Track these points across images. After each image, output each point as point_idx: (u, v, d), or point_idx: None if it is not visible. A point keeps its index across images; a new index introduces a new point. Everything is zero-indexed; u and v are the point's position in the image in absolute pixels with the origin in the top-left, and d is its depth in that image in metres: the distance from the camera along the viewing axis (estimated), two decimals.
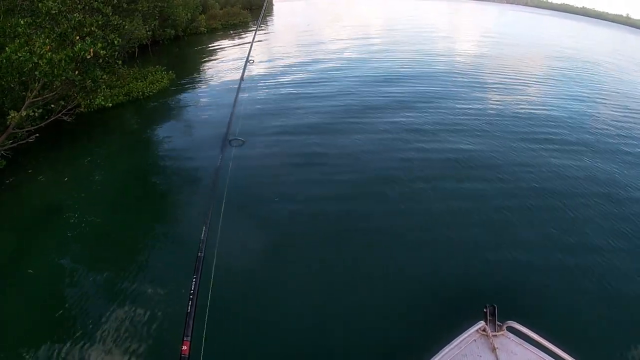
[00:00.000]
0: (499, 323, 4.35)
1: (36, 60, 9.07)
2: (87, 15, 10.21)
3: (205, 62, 25.13)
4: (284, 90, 17.67)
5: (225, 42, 32.41)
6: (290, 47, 29.50)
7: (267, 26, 44.33)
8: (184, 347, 2.23)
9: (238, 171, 5.10)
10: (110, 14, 10.86)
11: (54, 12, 9.80)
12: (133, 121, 14.47)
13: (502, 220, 8.97)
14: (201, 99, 16.96)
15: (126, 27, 11.80)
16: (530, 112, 16.39)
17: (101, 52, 9.72)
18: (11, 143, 10.34)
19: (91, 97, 12.17)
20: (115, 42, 10.67)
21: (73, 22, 9.87)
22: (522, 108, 16.98)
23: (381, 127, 13.59)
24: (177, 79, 19.77)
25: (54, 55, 9.26)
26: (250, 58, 8.54)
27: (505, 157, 11.97)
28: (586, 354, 4.42)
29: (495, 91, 19.64)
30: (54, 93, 10.66)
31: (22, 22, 9.78)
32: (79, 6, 10.28)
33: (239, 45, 30.95)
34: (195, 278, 2.62)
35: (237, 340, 5.46)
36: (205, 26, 36.77)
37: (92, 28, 9.99)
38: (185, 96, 17.43)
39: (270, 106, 15.41)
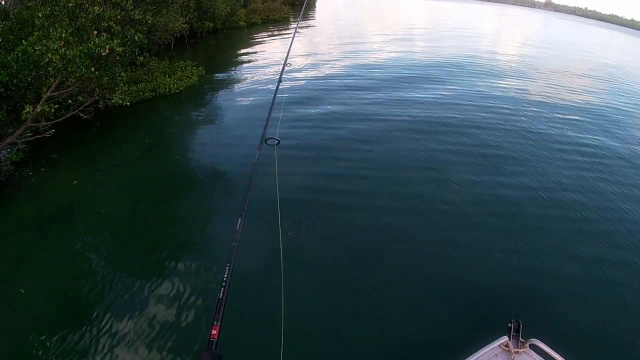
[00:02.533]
0: (522, 340, 4.35)
1: (50, 56, 8.69)
2: (106, 9, 9.65)
3: (240, 57, 24.47)
4: (322, 91, 16.95)
5: (263, 38, 31.60)
6: (330, 45, 28.61)
7: (308, 22, 43.61)
8: (214, 332, 2.23)
9: (271, 168, 4.90)
10: (131, 7, 10.24)
11: (71, 4, 9.24)
12: (157, 119, 13.86)
13: (538, 230, 8.56)
14: (231, 98, 16.31)
15: (149, 21, 11.12)
16: (570, 121, 15.90)
17: (118, 48, 9.18)
18: (28, 137, 10.10)
19: (108, 94, 11.64)
20: (136, 38, 10.15)
21: (91, 15, 9.36)
22: (561, 116, 16.45)
23: (421, 137, 12.93)
24: (208, 75, 19.13)
25: (67, 51, 8.83)
26: (288, 59, 8.24)
27: (541, 165, 11.52)
28: None
29: (533, 98, 19.01)
30: (70, 89, 10.24)
31: (40, 14, 9.40)
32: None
33: (277, 41, 30.14)
34: (228, 266, 2.70)
35: (265, 327, 5.49)
36: (245, 20, 36.32)
37: (110, 23, 9.46)
38: (213, 94, 16.76)
39: (308, 107, 14.76)
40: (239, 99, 16.15)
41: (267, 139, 4.60)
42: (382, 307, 6.47)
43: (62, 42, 8.90)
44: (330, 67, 21.50)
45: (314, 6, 63.16)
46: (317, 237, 7.99)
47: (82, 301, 6.36)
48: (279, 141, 4.74)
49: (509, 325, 4.45)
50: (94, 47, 8.92)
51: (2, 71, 9.06)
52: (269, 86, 17.40)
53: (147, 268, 7.07)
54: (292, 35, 10.19)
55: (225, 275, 2.62)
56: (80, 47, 8.93)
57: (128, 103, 11.27)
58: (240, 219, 3.12)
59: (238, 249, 2.90)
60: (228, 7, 31.80)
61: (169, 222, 8.41)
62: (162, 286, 6.59)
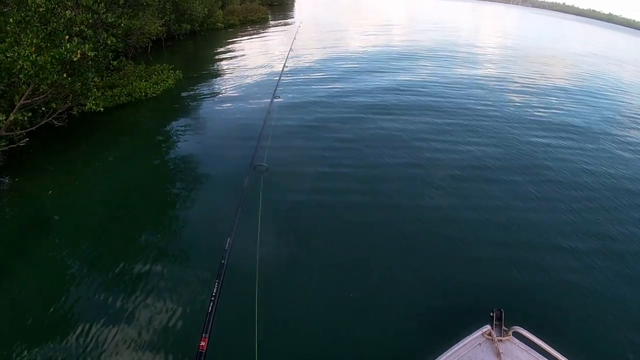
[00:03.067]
0: (505, 328, 4.40)
1: (21, 63, 8.50)
2: (78, 13, 9.48)
3: (218, 59, 24.22)
4: (308, 98, 16.68)
5: (241, 39, 31.50)
6: (312, 49, 28.37)
7: (287, 23, 43.47)
8: (202, 344, 2.32)
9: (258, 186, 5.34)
10: (103, 11, 10.07)
11: (42, 9, 9.06)
12: (133, 125, 13.52)
13: (515, 222, 8.80)
14: (208, 101, 16.07)
15: (123, 24, 10.97)
16: (552, 116, 16.40)
17: (90, 53, 9.02)
18: (2, 146, 9.77)
19: (82, 100, 11.43)
20: (109, 42, 9.99)
21: (63, 20, 9.19)
22: (544, 111, 16.93)
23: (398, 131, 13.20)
24: (185, 78, 18.83)
25: (39, 57, 8.65)
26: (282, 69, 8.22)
27: (523, 159, 11.89)
28: None
29: (517, 94, 19.48)
30: (44, 96, 10.02)
31: (11, 20, 9.21)
32: (68, 3, 9.52)
33: (255, 42, 30.12)
34: (217, 282, 2.87)
35: (250, 340, 5.19)
36: (223, 22, 36.10)
37: (82, 27, 9.29)
38: (189, 98, 16.48)
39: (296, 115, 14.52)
40: (216, 101, 15.99)
41: (256, 166, 4.82)
42: (365, 303, 6.49)
43: (33, 48, 8.71)
44: (314, 72, 21.44)
45: (293, 7, 63.07)
46: (299, 246, 7.88)
47: (63, 313, 6.17)
48: (267, 167, 5.02)
49: (491, 314, 4.51)
50: (65, 53, 8.76)
51: None
52: (249, 87, 17.47)
53: (130, 278, 6.89)
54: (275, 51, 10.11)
55: (215, 290, 2.79)
56: (52, 53, 8.76)
57: (102, 109, 10.99)
58: (229, 239, 3.34)
59: (227, 266, 3.07)
60: (205, 9, 31.57)
61: (151, 230, 8.25)
62: (147, 297, 6.46)
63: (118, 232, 8.17)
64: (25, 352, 5.50)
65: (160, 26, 23.45)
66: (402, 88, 18.43)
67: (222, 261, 3.11)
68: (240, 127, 13.01)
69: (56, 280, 6.83)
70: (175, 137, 12.65)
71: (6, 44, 8.89)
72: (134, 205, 9.14)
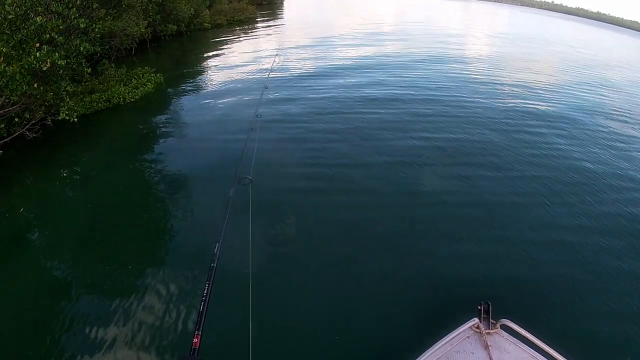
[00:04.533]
0: (492, 321, 4.46)
1: None
2: (49, 19, 9.06)
3: (203, 61, 23.83)
4: (296, 101, 16.21)
5: (228, 40, 30.99)
6: (301, 50, 27.61)
7: (277, 23, 43.10)
8: (195, 340, 2.42)
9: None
10: (75, 16, 9.65)
11: (11, 16, 8.63)
12: (111, 132, 13.00)
13: (501, 216, 8.93)
14: (188, 105, 15.62)
15: (97, 29, 10.57)
16: (544, 111, 16.52)
17: (60, 62, 8.63)
18: None
19: (53, 110, 11.03)
20: (82, 48, 9.59)
21: (33, 27, 8.77)
22: (535, 106, 17.06)
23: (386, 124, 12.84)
24: (167, 82, 18.34)
25: (7, 67, 8.26)
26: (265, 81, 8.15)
27: (507, 153, 12.03)
28: (579, 355, 4.47)
29: (509, 90, 19.67)
30: (16, 106, 9.61)
31: None
32: (39, 9, 9.11)
33: (243, 43, 29.68)
34: (208, 284, 2.93)
35: (241, 338, 5.06)
36: (210, 22, 35.66)
37: (53, 34, 8.88)
38: (170, 103, 16.02)
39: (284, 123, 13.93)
40: (198, 105, 15.60)
41: (240, 179, 4.97)
42: (355, 299, 6.53)
43: (2, 58, 8.32)
44: (302, 72, 21.08)
45: (282, 6, 62.76)
46: (289, 245, 7.88)
47: (50, 322, 6.03)
48: (251, 179, 5.13)
49: (479, 307, 4.59)
50: (34, 62, 8.38)
51: None
52: (234, 89, 17.14)
53: (120, 284, 6.82)
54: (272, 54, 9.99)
55: (205, 292, 2.85)
56: (21, 63, 8.38)
57: (75, 119, 10.58)
58: (217, 244, 3.39)
59: (216, 268, 3.12)
60: (192, 9, 31.14)
61: (132, 238, 8.09)
62: (135, 302, 6.38)
63: (98, 242, 7.96)
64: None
65: (145, 27, 22.99)
66: (388, 86, 18.42)
67: (212, 264, 3.16)
68: (224, 130, 12.77)
69: (35, 297, 6.61)
70: (154, 144, 12.29)
71: None
72: (114, 215, 8.84)
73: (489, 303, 4.57)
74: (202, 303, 2.75)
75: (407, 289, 6.77)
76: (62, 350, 5.55)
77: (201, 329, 2.57)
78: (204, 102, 16.00)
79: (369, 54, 26.57)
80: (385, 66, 22.79)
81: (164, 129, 13.36)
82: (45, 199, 9.34)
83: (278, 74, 19.81)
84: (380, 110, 14.94)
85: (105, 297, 6.51)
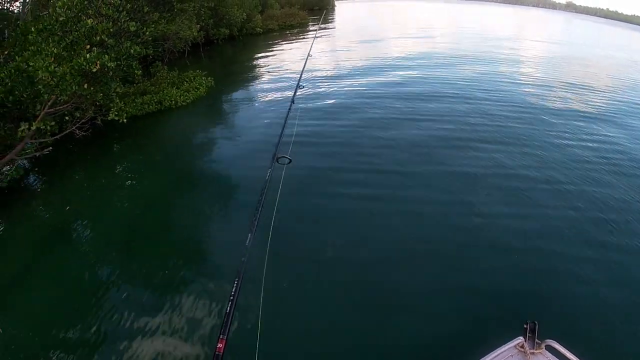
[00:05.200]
0: (538, 341, 4.27)
1: (40, 74, 8.32)
2: (100, 22, 9.20)
3: (255, 65, 23.92)
4: (339, 104, 16.07)
5: (279, 45, 31.11)
6: (349, 55, 27.31)
7: (328, 29, 43.13)
8: (220, 345, 2.17)
9: (285, 186, 5.13)
10: (126, 19, 9.77)
11: (62, 18, 8.83)
12: (160, 134, 13.23)
13: (555, 230, 8.31)
14: (240, 111, 15.62)
15: (147, 33, 10.69)
16: (605, 125, 15.24)
17: (109, 64, 8.74)
18: (27, 153, 9.90)
19: (103, 110, 11.24)
20: (132, 51, 9.69)
21: (84, 29, 8.92)
22: (597, 118, 16.03)
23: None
24: (218, 86, 18.42)
25: (57, 68, 8.43)
26: (302, 75, 8.14)
27: (566, 165, 11.22)
28: None
29: (570, 99, 18.67)
30: (65, 106, 9.84)
31: (32, 29, 9.04)
32: (90, 11, 9.27)
33: (294, 49, 29.58)
34: (237, 281, 2.71)
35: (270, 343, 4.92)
36: (262, 27, 35.96)
37: (103, 36, 9.00)
38: (221, 107, 16.15)
39: (322, 122, 13.98)
40: (248, 111, 15.50)
41: (279, 158, 4.75)
42: (394, 308, 6.31)
43: (52, 59, 8.49)
44: (349, 79, 20.55)
45: (333, 12, 62.83)
46: (324, 245, 7.73)
47: (85, 317, 6.15)
48: (290, 160, 4.87)
49: (525, 326, 4.38)
50: (84, 63, 8.50)
51: None
52: (281, 99, 16.77)
53: (153, 282, 6.89)
54: (306, 54, 9.95)
55: (233, 290, 2.64)
56: (71, 64, 8.52)
57: (125, 120, 10.72)
58: (250, 235, 3.26)
59: (247, 264, 2.96)
60: (244, 14, 31.46)
61: (174, 237, 8.21)
62: (168, 300, 6.43)
63: (141, 238, 8.15)
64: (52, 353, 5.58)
65: (197, 31, 23.32)
66: (439, 93, 17.76)
67: (242, 259, 2.97)
68: (267, 138, 12.53)
69: (78, 288, 6.82)
70: (202, 148, 12.40)
71: (29, 52, 8.75)
72: (157, 213, 9.02)
73: (536, 322, 4.34)
74: (230, 303, 2.55)
75: (449, 300, 6.51)
76: (99, 334, 5.77)
77: (227, 332, 2.33)
78: (253, 106, 16.03)
79: (418, 55, 26.30)
80: (435, 67, 22.56)
81: (213, 134, 13.44)
82: (92, 196, 9.60)
83: (325, 77, 19.71)
84: (431, 114, 14.66)
85: (143, 290, 6.65)
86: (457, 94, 17.48)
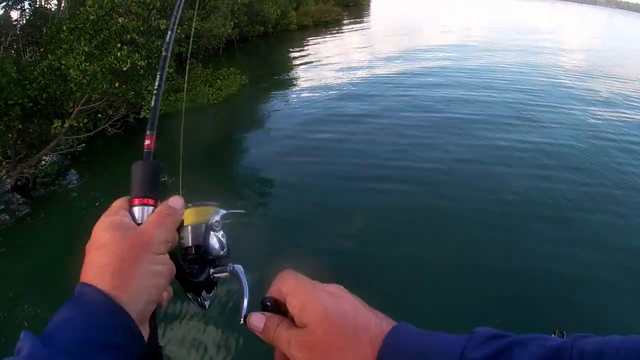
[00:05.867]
0: None
1: (72, 73, 8.42)
2: (130, 20, 9.26)
3: (289, 62, 23.85)
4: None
5: (314, 41, 30.90)
6: (387, 52, 26.70)
7: (362, 25, 42.81)
8: (147, 142, 1.45)
9: None
10: (156, 17, 9.80)
11: (93, 17, 8.90)
12: (192, 133, 13.25)
13: (596, 239, 7.91)
14: (270, 110, 15.52)
15: (179, 30, 10.69)
16: None
17: (140, 63, 8.76)
18: (61, 149, 10.31)
19: (137, 108, 11.33)
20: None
21: (114, 27, 8.97)
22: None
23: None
24: (250, 83, 18.31)
25: (88, 66, 8.50)
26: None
27: (610, 170, 10.52)
28: None
29: (618, 98, 17.81)
30: (98, 104, 9.96)
31: (64, 27, 9.14)
32: (120, 10, 9.32)
33: (328, 45, 29.39)
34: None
35: None
36: (296, 23, 35.83)
37: (133, 35, 9.03)
38: (252, 106, 16.03)
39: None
40: (279, 109, 15.42)
41: None
42: (419, 312, 5.99)
43: (83, 57, 8.56)
44: (390, 77, 19.98)
45: (369, 7, 62.23)
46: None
47: None
48: None
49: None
50: (114, 62, 8.54)
51: (31, 85, 8.98)
52: (314, 97, 16.53)
53: None
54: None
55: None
56: (102, 62, 8.58)
57: None
58: None
59: None
60: (278, 10, 31.41)
61: None
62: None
63: None
64: None
65: (232, 28, 23.35)
66: (481, 87, 17.45)
67: None
68: (304, 131, 12.60)
69: None
70: (232, 145, 12.47)
71: (61, 51, 8.85)
72: None
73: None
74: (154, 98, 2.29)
75: (480, 304, 6.29)
76: None
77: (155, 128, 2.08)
78: (285, 104, 15.95)
79: (456, 56, 25.39)
80: (476, 70, 21.49)
81: (242, 132, 13.41)
82: (121, 194, 9.54)
83: (362, 74, 19.46)
84: (475, 113, 14.21)
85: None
86: (497, 93, 16.98)
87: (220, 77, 17.68)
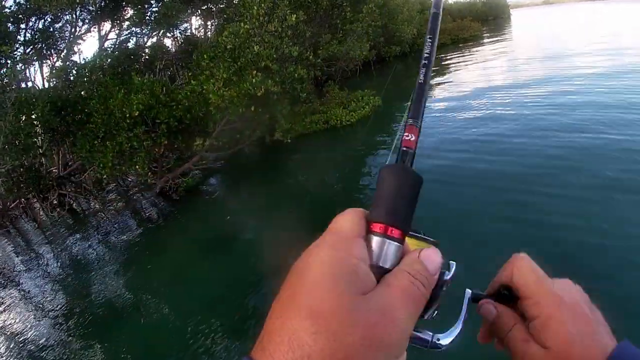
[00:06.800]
0: None
1: (210, 97, 9.10)
2: (264, 48, 9.78)
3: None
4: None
5: (452, 60, 30.03)
6: (534, 72, 24.77)
7: (504, 43, 41.10)
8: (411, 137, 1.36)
9: None
10: (289, 45, 10.23)
11: (229, 46, 9.54)
12: (322, 154, 13.47)
13: None
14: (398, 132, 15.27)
15: (311, 57, 11.08)
16: None
17: (273, 88, 9.20)
18: (202, 164, 11.63)
19: (273, 130, 11.92)
20: (296, 75, 10.10)
21: (250, 55, 9.52)
22: None
23: None
24: (384, 104, 17.98)
25: (225, 92, 9.10)
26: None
27: None
28: None
29: None
30: (234, 125, 10.70)
31: (205, 56, 9.85)
32: (255, 38, 9.87)
33: (467, 64, 28.39)
34: None
35: None
36: None
37: (267, 62, 9.51)
38: (381, 126, 15.84)
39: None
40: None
41: None
42: None
43: (222, 84, 9.18)
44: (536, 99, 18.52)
45: (509, 22, 59.87)
46: None
47: (246, 308, 6.91)
48: None
49: None
50: (250, 88, 9.04)
51: (177, 107, 9.93)
52: (452, 119, 15.63)
53: None
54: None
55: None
56: (238, 88, 9.13)
57: (289, 140, 11.24)
58: None
59: None
60: (414, 30, 31.35)
61: None
62: None
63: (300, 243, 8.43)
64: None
65: (368, 50, 23.66)
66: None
67: None
68: (441, 151, 12.06)
69: (239, 283, 7.67)
70: (361, 165, 12.34)
71: (203, 77, 9.56)
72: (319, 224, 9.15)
73: None
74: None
75: None
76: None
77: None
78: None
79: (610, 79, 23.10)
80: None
81: (373, 154, 13.33)
82: (252, 209, 10.22)
83: (503, 93, 18.54)
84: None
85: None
86: None
87: (355, 100, 17.85)
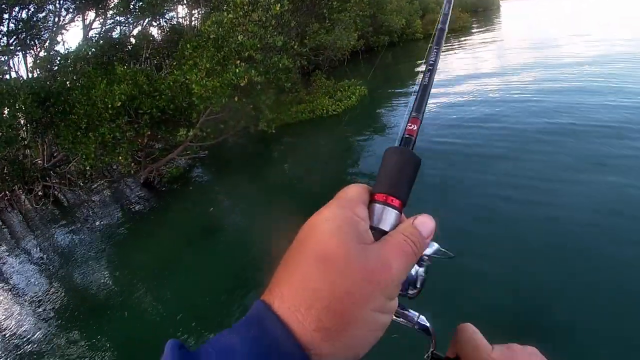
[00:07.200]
0: None
1: (193, 87, 9.07)
2: (248, 38, 9.74)
3: (411, 73, 23.22)
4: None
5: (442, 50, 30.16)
6: (523, 65, 24.56)
7: (493, 33, 41.01)
8: (412, 127, 1.17)
9: None
10: (273, 34, 10.19)
11: (213, 36, 9.51)
12: (307, 143, 13.45)
13: None
14: (386, 121, 15.10)
15: (296, 47, 11.07)
16: None
17: (256, 78, 9.17)
18: (187, 154, 11.65)
19: (257, 120, 11.87)
20: (280, 65, 10.07)
21: (233, 45, 9.50)
22: None
23: None
24: (371, 93, 18.14)
25: (208, 82, 9.08)
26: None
27: None
28: None
29: None
30: (220, 115, 10.69)
31: (188, 45, 9.82)
32: (239, 28, 9.84)
33: (455, 54, 28.33)
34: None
35: None
36: (422, 32, 35.47)
37: (251, 52, 9.48)
38: (366, 117, 15.71)
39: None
40: (396, 120, 15.00)
41: None
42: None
43: (204, 74, 9.16)
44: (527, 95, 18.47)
45: (498, 13, 59.78)
46: None
47: (233, 294, 7.03)
48: None
49: None
50: (233, 78, 9.02)
51: (160, 97, 10.01)
52: (436, 110, 15.83)
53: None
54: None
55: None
56: (221, 78, 9.11)
57: (273, 130, 11.23)
58: None
59: None
60: (403, 20, 31.32)
61: None
62: None
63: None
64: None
65: (357, 39, 23.62)
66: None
67: None
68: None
69: (228, 270, 7.75)
70: (342, 158, 12.30)
71: (187, 66, 9.53)
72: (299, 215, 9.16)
73: None
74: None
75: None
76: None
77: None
78: (403, 115, 15.46)
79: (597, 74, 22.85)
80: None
81: (359, 142, 13.29)
82: (240, 197, 10.44)
83: (492, 86, 18.44)
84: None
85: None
86: None
87: (341, 89, 17.87)
